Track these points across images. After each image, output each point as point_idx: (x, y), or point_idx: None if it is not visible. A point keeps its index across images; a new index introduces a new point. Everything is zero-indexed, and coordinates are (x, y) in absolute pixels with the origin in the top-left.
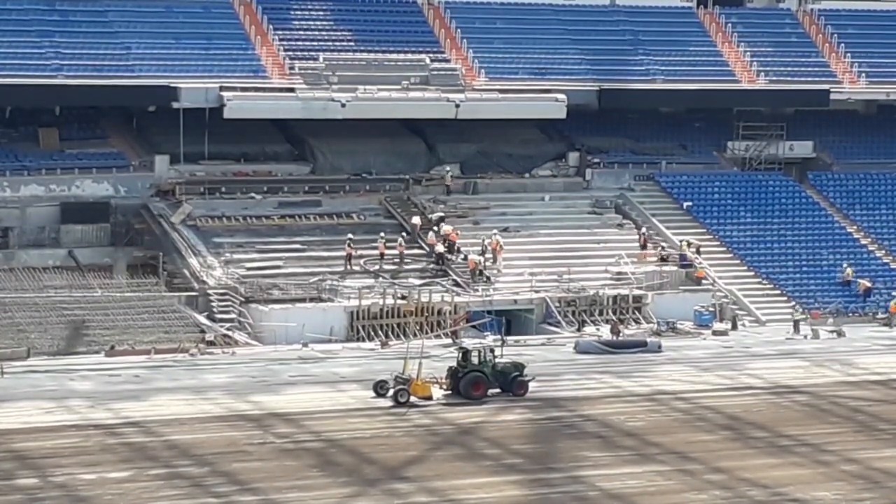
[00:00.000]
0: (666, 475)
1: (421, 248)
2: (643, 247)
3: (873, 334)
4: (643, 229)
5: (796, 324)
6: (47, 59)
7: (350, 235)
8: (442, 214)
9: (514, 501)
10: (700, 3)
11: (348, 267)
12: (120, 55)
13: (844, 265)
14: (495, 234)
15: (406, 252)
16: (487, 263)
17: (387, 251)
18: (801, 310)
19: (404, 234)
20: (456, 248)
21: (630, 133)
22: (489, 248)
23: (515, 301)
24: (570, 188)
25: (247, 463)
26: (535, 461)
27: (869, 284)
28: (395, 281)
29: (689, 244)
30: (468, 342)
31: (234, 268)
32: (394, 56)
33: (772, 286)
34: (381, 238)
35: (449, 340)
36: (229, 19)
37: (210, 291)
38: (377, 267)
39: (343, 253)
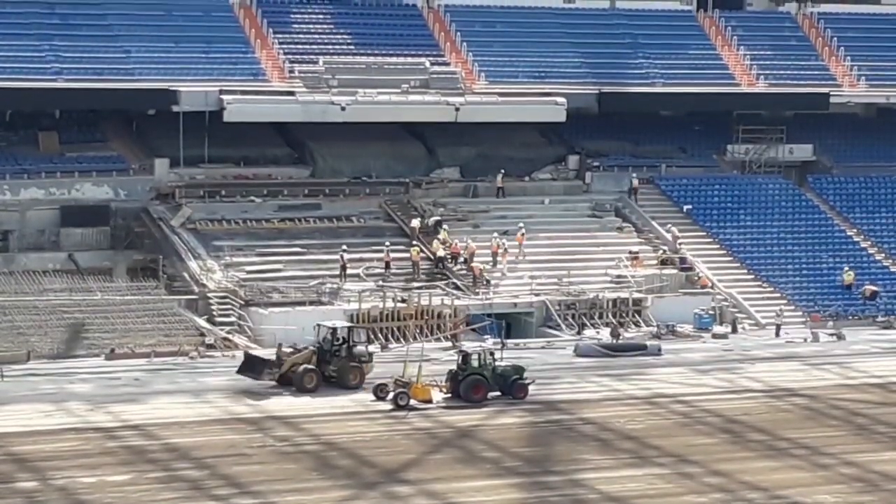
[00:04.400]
0: (665, 478)
1: (423, 252)
2: (663, 263)
3: (872, 337)
4: (661, 251)
5: (778, 328)
6: (47, 62)
7: (343, 247)
8: (439, 218)
9: None
10: (700, 7)
11: (343, 278)
12: (120, 58)
13: (846, 268)
14: (496, 237)
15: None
16: (488, 266)
17: (392, 260)
18: (782, 313)
19: (415, 241)
20: (462, 258)
21: (630, 136)
22: (491, 251)
23: (515, 304)
24: (569, 191)
25: (246, 466)
26: (535, 464)
27: (875, 289)
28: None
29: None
30: (468, 345)
31: (233, 271)
32: (393, 59)
33: (772, 289)
34: (387, 247)
35: (449, 344)
36: (229, 23)
37: (210, 294)
38: (383, 277)
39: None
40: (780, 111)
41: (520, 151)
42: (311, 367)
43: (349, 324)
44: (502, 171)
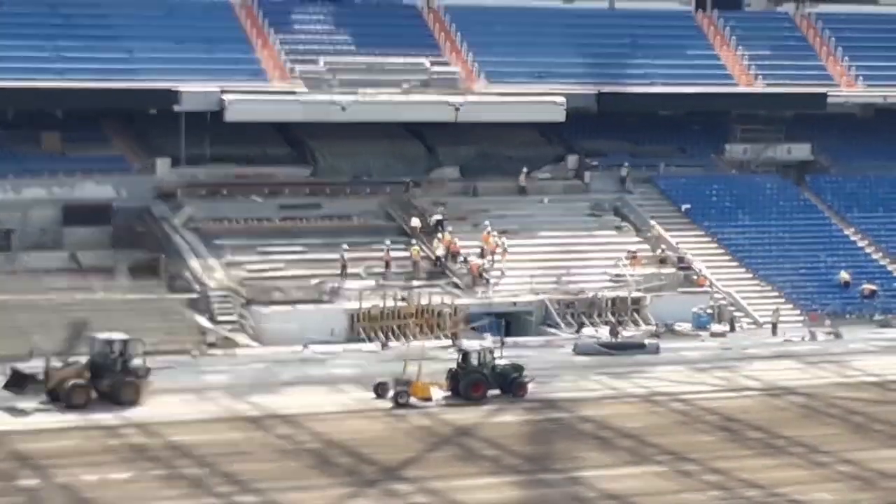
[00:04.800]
0: (664, 476)
1: (423, 251)
2: (661, 262)
3: (870, 336)
4: (660, 250)
5: (774, 326)
6: (50, 62)
7: (345, 246)
8: (440, 217)
9: (512, 502)
10: (698, 7)
11: (344, 277)
12: (122, 59)
13: (841, 272)
14: (494, 235)
15: (421, 258)
16: (486, 265)
17: (392, 259)
18: (779, 312)
19: (414, 241)
20: (461, 258)
21: (629, 136)
22: (489, 249)
23: (515, 303)
24: (568, 191)
25: (247, 464)
26: (534, 462)
27: (872, 287)
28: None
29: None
30: (467, 343)
31: (234, 270)
32: (394, 59)
33: (770, 288)
34: (387, 246)
35: (449, 342)
36: (230, 22)
37: (211, 293)
38: (384, 275)
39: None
40: (778, 111)
41: (519, 151)
42: (81, 382)
43: (125, 336)
44: (525, 169)
